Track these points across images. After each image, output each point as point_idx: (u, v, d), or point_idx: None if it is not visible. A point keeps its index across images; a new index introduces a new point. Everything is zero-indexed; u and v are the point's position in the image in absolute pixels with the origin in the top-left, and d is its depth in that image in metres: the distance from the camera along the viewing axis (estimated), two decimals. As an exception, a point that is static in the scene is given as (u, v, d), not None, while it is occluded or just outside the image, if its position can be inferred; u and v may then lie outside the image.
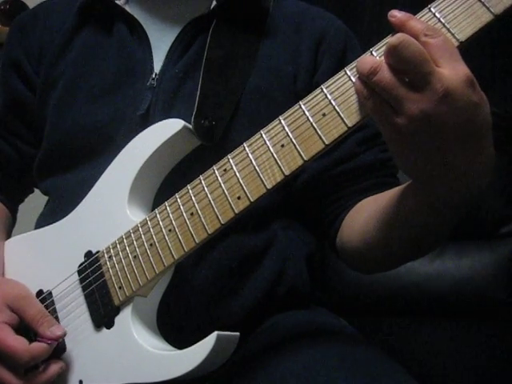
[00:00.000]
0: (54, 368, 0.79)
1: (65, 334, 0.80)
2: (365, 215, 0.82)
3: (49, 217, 0.92)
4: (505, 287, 1.37)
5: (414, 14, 0.60)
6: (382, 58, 0.58)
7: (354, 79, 0.62)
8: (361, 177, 0.89)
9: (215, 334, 0.69)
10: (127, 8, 0.95)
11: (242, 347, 0.82)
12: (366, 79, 0.58)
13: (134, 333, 0.76)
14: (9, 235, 1.02)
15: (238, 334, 0.72)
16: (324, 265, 1.45)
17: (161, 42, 0.92)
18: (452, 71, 0.55)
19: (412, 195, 0.68)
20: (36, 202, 1.07)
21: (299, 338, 0.79)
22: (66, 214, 0.87)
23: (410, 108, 0.56)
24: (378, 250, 0.79)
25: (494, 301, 1.36)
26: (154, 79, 0.89)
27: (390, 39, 0.56)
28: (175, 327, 0.82)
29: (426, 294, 1.41)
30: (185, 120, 0.80)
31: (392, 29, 0.60)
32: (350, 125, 0.62)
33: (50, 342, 0.78)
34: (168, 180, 0.83)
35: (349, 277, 1.44)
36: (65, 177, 0.93)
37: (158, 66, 0.90)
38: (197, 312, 0.83)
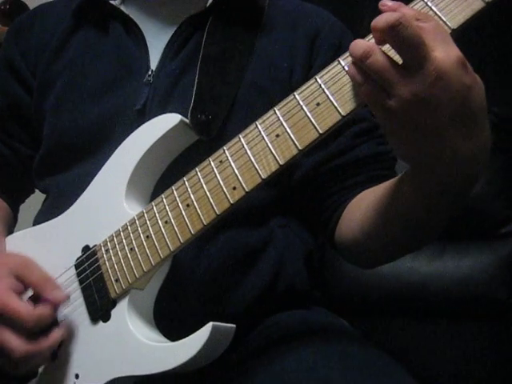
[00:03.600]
0: (56, 335, 0.79)
1: (67, 298, 0.81)
2: (363, 206, 0.82)
3: (47, 213, 0.92)
4: (505, 287, 1.36)
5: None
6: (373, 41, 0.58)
7: (346, 67, 0.62)
8: (358, 170, 0.89)
9: (210, 324, 0.69)
10: (123, 8, 0.95)
11: (241, 346, 0.82)
12: (359, 62, 0.58)
13: (130, 325, 0.75)
14: (10, 233, 1.02)
15: (233, 325, 0.72)
16: (323, 264, 1.45)
17: (157, 40, 0.92)
18: (444, 54, 0.55)
19: (409, 183, 0.68)
20: (35, 200, 1.08)
21: (299, 338, 0.79)
22: (65, 210, 0.88)
23: (402, 91, 0.56)
24: (375, 240, 0.79)
25: (494, 301, 1.36)
26: (150, 75, 0.89)
27: (387, 17, 0.55)
28: (173, 321, 0.82)
29: (426, 294, 1.40)
30: (181, 115, 0.80)
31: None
32: (343, 113, 0.62)
33: (52, 304, 0.79)
34: (165, 175, 0.84)
35: (348, 277, 1.44)
36: (63, 174, 0.93)
37: (154, 63, 0.91)
38: (194, 307, 0.83)
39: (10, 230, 1.04)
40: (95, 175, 0.86)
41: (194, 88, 0.85)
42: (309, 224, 0.97)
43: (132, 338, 0.75)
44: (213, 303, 0.84)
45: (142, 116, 0.87)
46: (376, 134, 0.90)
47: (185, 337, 0.71)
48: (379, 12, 0.58)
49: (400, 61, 0.57)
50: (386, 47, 0.58)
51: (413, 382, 0.71)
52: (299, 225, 0.96)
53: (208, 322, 0.72)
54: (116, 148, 0.84)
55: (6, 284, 0.80)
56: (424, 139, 0.59)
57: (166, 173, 0.84)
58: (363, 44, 0.58)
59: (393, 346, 1.30)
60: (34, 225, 0.95)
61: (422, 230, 0.74)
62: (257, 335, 0.86)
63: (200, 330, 0.70)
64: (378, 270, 1.17)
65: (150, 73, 0.89)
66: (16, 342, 0.76)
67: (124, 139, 0.83)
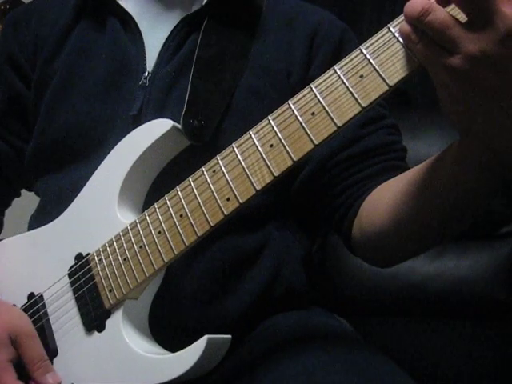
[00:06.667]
0: None
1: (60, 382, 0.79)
2: (391, 194, 0.78)
3: (40, 218, 0.91)
4: (505, 287, 1.36)
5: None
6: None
7: (343, 77, 0.61)
8: (369, 161, 0.86)
9: (205, 337, 0.69)
10: (121, 3, 0.93)
11: (240, 348, 0.82)
12: (417, 21, 0.55)
13: (124, 336, 0.75)
14: None
15: (229, 336, 0.72)
16: (324, 265, 1.44)
17: (153, 38, 0.91)
18: None
19: (456, 156, 0.65)
20: (32, 203, 1.06)
21: (298, 339, 0.79)
22: (57, 215, 0.87)
23: (467, 48, 0.53)
24: (409, 227, 0.75)
25: (494, 301, 1.36)
26: (146, 78, 0.88)
27: None
28: (168, 329, 0.81)
29: (426, 294, 1.40)
30: (176, 120, 0.79)
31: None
32: (339, 124, 0.61)
33: None
34: (158, 181, 0.83)
35: (348, 277, 1.44)
36: (55, 177, 0.92)
37: (150, 64, 0.89)
38: (189, 314, 0.82)
39: None
40: (87, 180, 0.84)
41: (187, 92, 0.83)
42: (307, 224, 0.96)
43: (127, 348, 0.74)
44: (208, 310, 0.83)
45: (137, 121, 0.85)
46: (383, 124, 0.88)
47: (182, 344, 0.71)
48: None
49: (462, 20, 0.54)
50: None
51: (412, 383, 0.71)
52: (296, 226, 0.95)
53: (204, 328, 0.73)
54: (109, 153, 0.83)
55: (7, 355, 0.78)
56: (483, 100, 0.56)
57: (158, 179, 0.83)
58: (421, 2, 0.55)
59: (393, 346, 1.29)
60: (28, 229, 0.94)
61: (459, 212, 0.70)
62: (255, 337, 0.85)
63: (195, 343, 0.69)
64: (377, 270, 1.16)
65: (146, 75, 0.88)
66: None
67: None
